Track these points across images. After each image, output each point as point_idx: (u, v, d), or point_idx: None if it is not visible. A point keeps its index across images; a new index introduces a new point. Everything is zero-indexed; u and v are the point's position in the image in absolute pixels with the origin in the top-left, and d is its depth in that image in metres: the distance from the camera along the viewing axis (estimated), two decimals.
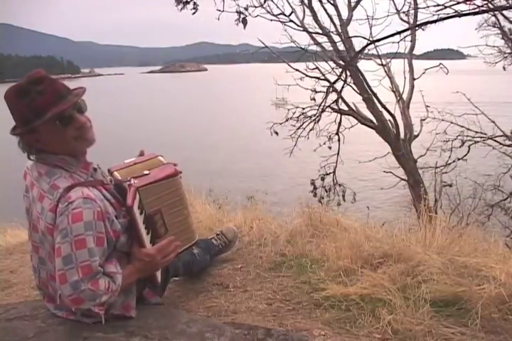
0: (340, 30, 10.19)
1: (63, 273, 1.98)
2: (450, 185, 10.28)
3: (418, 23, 9.38)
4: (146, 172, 2.43)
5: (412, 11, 9.89)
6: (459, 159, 10.23)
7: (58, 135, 2.12)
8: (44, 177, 2.15)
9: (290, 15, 9.92)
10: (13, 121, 2.17)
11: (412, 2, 9.49)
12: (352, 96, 10.09)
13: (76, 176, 2.19)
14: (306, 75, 9.67)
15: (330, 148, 9.79)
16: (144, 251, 2.33)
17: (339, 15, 10.23)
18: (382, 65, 10.38)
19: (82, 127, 2.16)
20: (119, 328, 2.17)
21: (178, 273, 3.00)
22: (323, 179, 9.91)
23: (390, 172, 10.43)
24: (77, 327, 2.15)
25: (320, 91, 9.13)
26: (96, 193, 2.14)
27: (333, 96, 8.28)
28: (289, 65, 9.99)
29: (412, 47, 10.79)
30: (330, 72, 9.61)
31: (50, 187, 2.11)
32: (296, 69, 9.78)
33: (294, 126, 9.85)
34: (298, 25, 10.13)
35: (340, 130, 9.72)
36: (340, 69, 8.70)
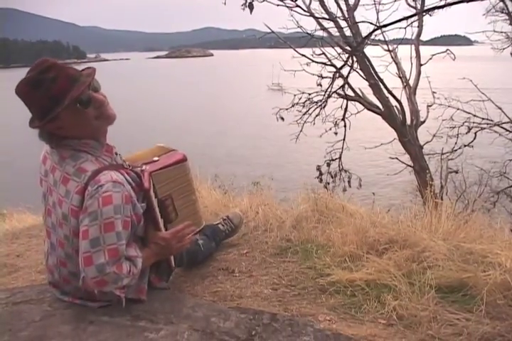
0: (346, 16, 10.11)
1: (89, 256, 2.00)
2: (456, 172, 10.30)
3: (425, 8, 9.34)
4: (156, 158, 2.47)
5: None
6: (465, 146, 10.20)
7: (80, 117, 2.11)
8: (68, 161, 2.15)
9: (297, 0, 9.85)
10: (30, 113, 2.15)
11: None
12: (358, 81, 10.06)
13: (101, 160, 2.19)
14: (313, 61, 9.61)
15: (336, 133, 9.74)
16: (160, 235, 2.38)
17: (346, 0, 10.15)
18: (388, 50, 10.34)
19: (101, 105, 2.16)
20: (124, 312, 2.18)
21: (182, 263, 3.00)
22: (328, 165, 9.88)
23: (396, 158, 10.43)
24: (83, 311, 2.16)
25: (326, 77, 9.07)
26: (121, 177, 2.16)
27: (339, 81, 8.22)
28: (295, 51, 9.91)
29: (419, 33, 10.75)
30: (336, 58, 9.56)
31: (76, 170, 2.11)
32: (303, 55, 9.70)
33: (300, 111, 9.80)
34: (304, 11, 10.04)
35: (347, 116, 9.68)
36: (347, 55, 8.65)
